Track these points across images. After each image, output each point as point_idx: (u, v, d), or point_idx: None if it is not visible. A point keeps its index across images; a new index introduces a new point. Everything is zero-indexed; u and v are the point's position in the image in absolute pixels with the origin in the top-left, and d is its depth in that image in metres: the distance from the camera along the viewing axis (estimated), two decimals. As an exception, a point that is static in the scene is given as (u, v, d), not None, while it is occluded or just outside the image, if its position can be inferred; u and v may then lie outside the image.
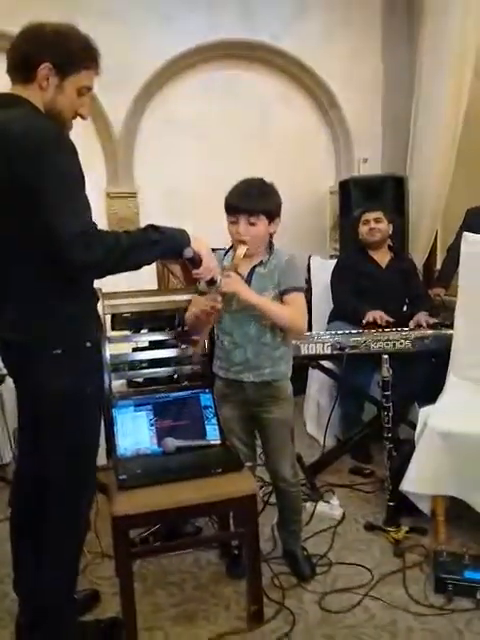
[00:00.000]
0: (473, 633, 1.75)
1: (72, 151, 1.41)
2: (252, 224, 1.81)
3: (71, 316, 1.51)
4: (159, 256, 1.54)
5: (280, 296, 1.86)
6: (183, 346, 2.34)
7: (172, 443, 1.87)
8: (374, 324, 2.80)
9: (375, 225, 3.10)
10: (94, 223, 1.40)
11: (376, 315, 2.80)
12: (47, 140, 1.38)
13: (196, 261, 1.56)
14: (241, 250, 1.81)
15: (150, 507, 1.65)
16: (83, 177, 1.43)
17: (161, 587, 2.01)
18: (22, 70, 1.46)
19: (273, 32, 4.14)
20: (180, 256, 1.53)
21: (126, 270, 1.44)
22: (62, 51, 1.45)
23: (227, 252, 1.93)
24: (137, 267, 1.46)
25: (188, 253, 1.52)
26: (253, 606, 1.79)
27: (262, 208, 1.82)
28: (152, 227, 1.47)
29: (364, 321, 2.81)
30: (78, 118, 1.55)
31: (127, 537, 1.68)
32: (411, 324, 2.85)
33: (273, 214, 1.85)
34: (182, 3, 3.96)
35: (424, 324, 2.78)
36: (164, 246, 1.48)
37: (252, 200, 1.81)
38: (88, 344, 1.54)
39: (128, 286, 2.47)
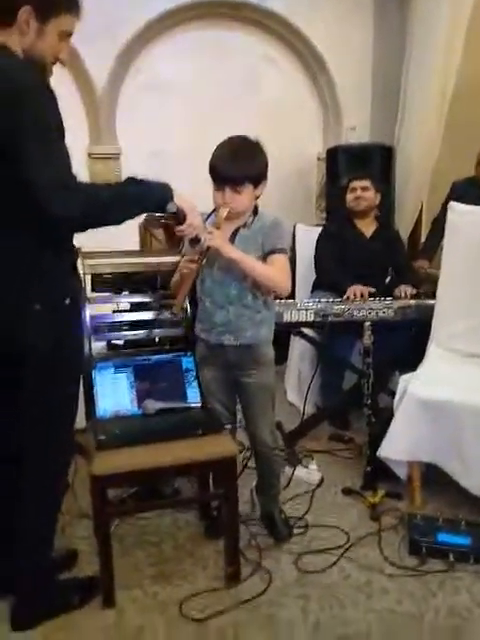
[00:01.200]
0: (446, 594, 1.79)
1: (52, 99, 1.36)
2: (237, 192, 1.77)
3: (50, 272, 1.48)
4: (142, 210, 1.49)
5: (263, 258, 1.83)
6: (164, 309, 2.31)
7: (152, 405, 1.86)
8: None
9: (362, 193, 3.06)
10: (74, 174, 1.36)
11: (356, 290, 2.78)
12: (25, 87, 1.33)
13: (180, 217, 1.52)
14: (223, 211, 1.78)
15: (129, 467, 1.65)
16: (63, 128, 1.38)
17: (139, 547, 2.02)
18: (1, 14, 1.40)
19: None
20: (163, 210, 1.49)
21: (107, 224, 1.41)
22: None
23: (209, 216, 1.89)
24: (118, 221, 1.42)
25: (171, 207, 1.49)
26: (230, 566, 1.81)
27: (247, 176, 1.77)
28: (134, 180, 1.43)
29: (345, 296, 2.79)
30: (58, 63, 1.49)
31: (106, 497, 1.68)
32: (395, 294, 2.85)
33: (259, 179, 1.81)
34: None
35: (409, 293, 2.78)
36: (146, 199, 1.44)
37: (237, 167, 1.76)
38: (67, 301, 1.51)
39: (109, 247, 2.42)
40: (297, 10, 4.10)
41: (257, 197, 1.87)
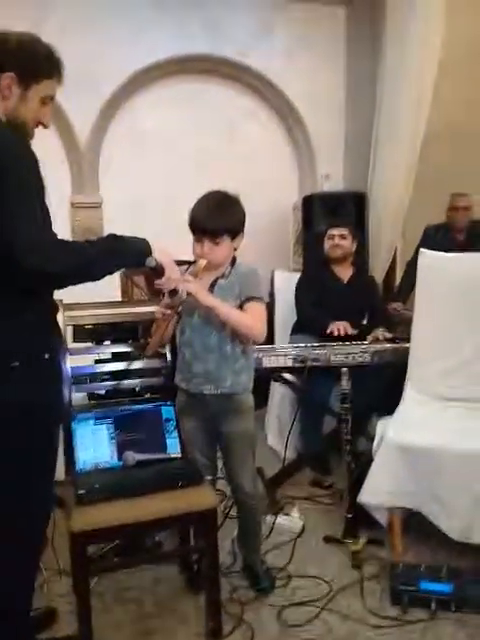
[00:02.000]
0: (428, 643, 1.78)
1: (32, 160, 1.40)
2: (216, 244, 1.83)
3: (29, 327, 1.48)
4: (121, 266, 1.53)
5: (240, 306, 1.87)
6: (142, 357, 2.33)
7: (132, 457, 1.85)
8: (336, 336, 2.85)
9: (339, 241, 3.16)
10: (54, 233, 1.39)
11: (339, 326, 2.85)
12: (6, 148, 1.37)
13: (159, 271, 1.56)
14: (202, 262, 1.83)
15: (109, 522, 1.63)
16: (43, 187, 1.42)
17: (119, 604, 1.99)
18: None
19: (239, 48, 4.21)
20: (142, 265, 1.53)
21: (87, 280, 1.43)
22: (26, 61, 1.44)
23: (189, 267, 1.94)
24: (98, 277, 1.45)
25: (150, 262, 1.52)
26: (211, 622, 1.78)
27: (225, 228, 1.84)
28: (113, 237, 1.47)
29: (328, 331, 2.85)
30: (40, 127, 1.54)
31: (85, 554, 1.66)
32: (369, 339, 2.91)
33: (237, 231, 1.88)
34: (150, 16, 3.99)
35: (381, 337, 2.85)
36: (126, 256, 1.48)
37: (215, 220, 1.82)
38: (46, 356, 1.52)
39: (90, 297, 2.45)
40: (272, 65, 4.30)
41: (235, 249, 1.92)
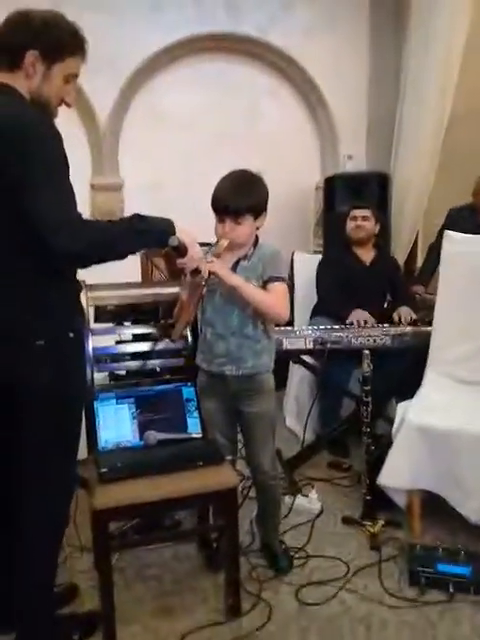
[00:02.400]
0: (446, 625, 1.79)
1: (57, 139, 1.41)
2: (238, 223, 1.82)
3: (54, 306, 1.50)
4: (145, 245, 1.54)
5: (263, 286, 1.87)
6: (166, 339, 2.34)
7: (153, 436, 1.87)
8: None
9: (362, 222, 3.13)
10: (79, 212, 1.40)
11: (360, 317, 2.82)
12: (31, 127, 1.38)
13: (181, 250, 1.57)
14: (223, 242, 1.83)
15: (130, 500, 1.66)
16: (68, 165, 1.42)
17: (140, 580, 2.02)
18: (8, 57, 1.45)
19: (259, 25, 4.14)
20: (165, 245, 1.53)
21: (112, 260, 1.44)
22: (49, 39, 1.44)
23: (210, 247, 1.93)
24: (123, 257, 1.46)
25: (173, 242, 1.53)
26: (230, 599, 1.81)
27: (248, 208, 1.82)
28: (138, 216, 1.47)
29: (348, 322, 2.83)
30: (63, 105, 1.54)
31: (107, 531, 1.69)
32: (394, 316, 2.90)
33: (260, 210, 1.86)
34: (169, -6, 3.93)
35: (408, 318, 2.83)
36: (150, 235, 1.49)
37: (238, 199, 1.81)
38: (71, 335, 1.54)
39: (111, 278, 2.46)
40: (295, 43, 4.22)
41: (257, 228, 1.91)
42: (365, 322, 2.80)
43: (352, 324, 2.80)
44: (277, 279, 1.87)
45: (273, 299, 1.86)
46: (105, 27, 3.65)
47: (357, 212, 3.15)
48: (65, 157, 1.42)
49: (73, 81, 1.52)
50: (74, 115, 3.78)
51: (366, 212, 3.15)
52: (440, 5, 3.68)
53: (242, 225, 1.83)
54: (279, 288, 1.88)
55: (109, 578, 1.69)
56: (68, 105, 1.55)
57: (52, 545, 1.65)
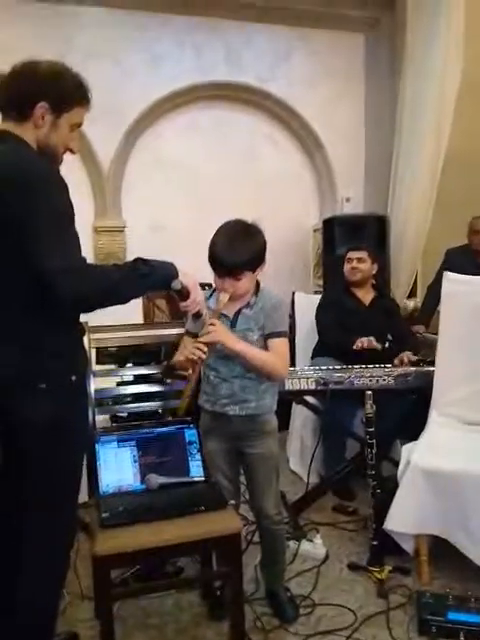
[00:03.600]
0: (458, 677, 1.73)
1: (63, 187, 1.44)
2: (237, 279, 1.81)
3: (57, 350, 1.50)
4: (149, 288, 1.55)
5: (264, 339, 1.87)
6: (168, 381, 2.33)
7: (155, 480, 1.84)
8: (361, 355, 2.82)
9: (357, 264, 3.14)
10: (83, 258, 1.42)
11: (364, 340, 2.82)
12: (38, 176, 1.41)
13: (183, 294, 1.58)
14: (224, 296, 1.82)
15: (132, 547, 1.62)
16: (73, 213, 1.45)
17: (141, 630, 1.96)
18: (17, 108, 1.49)
19: (259, 75, 4.29)
20: (168, 288, 1.54)
21: (116, 303, 1.45)
22: (58, 90, 1.49)
23: (211, 294, 1.94)
24: (126, 300, 1.47)
25: (176, 285, 1.54)
26: (235, 650, 1.75)
27: (246, 264, 1.80)
28: (141, 260, 1.49)
29: (354, 347, 2.83)
30: (68, 153, 1.58)
31: (108, 578, 1.64)
32: (396, 362, 2.88)
33: (258, 263, 1.85)
34: (171, 44, 4.09)
35: (406, 361, 2.82)
36: (153, 279, 1.50)
37: (235, 257, 1.78)
38: (74, 378, 1.53)
39: (113, 320, 2.47)
40: (293, 91, 4.37)
41: (257, 276, 1.92)
42: (370, 344, 2.78)
43: (357, 350, 2.79)
44: (278, 334, 1.87)
45: (273, 360, 1.85)
46: (109, 75, 3.79)
47: (353, 254, 3.18)
48: (71, 205, 1.45)
49: (77, 129, 1.57)
50: (77, 160, 3.87)
51: (362, 254, 3.16)
52: (433, 49, 3.80)
53: (242, 280, 1.82)
54: (280, 346, 1.87)
55: (111, 627, 1.64)
56: (73, 152, 1.59)
57: (53, 591, 1.61)
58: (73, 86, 1.52)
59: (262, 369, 1.84)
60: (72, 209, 1.45)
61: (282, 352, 1.88)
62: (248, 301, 1.89)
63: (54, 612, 1.63)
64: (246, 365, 1.84)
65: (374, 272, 3.20)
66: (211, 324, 1.75)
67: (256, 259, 1.84)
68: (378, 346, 2.84)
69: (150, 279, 1.49)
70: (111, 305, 1.45)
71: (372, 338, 2.85)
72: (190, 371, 1.78)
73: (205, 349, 1.73)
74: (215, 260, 1.82)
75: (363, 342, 2.82)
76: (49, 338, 1.50)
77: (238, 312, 1.89)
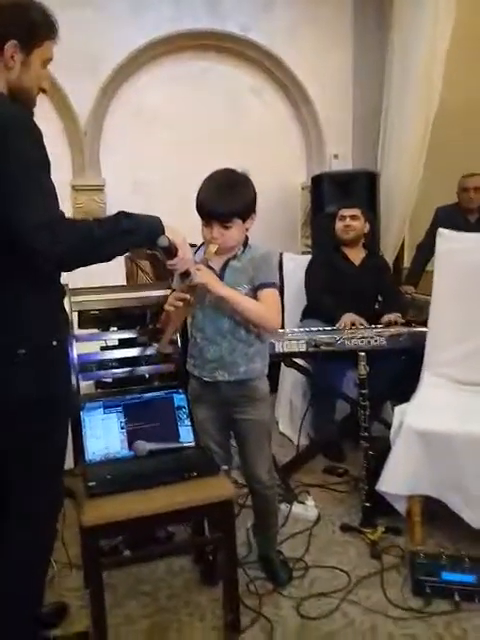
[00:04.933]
0: (453, 636, 1.72)
1: (37, 135, 1.32)
2: (227, 228, 1.73)
3: (36, 313, 1.41)
4: (133, 245, 1.43)
5: (254, 292, 1.79)
6: (154, 345, 2.24)
7: (143, 446, 1.78)
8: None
9: (351, 222, 3.05)
10: (62, 211, 1.31)
11: (349, 320, 2.74)
12: (10, 124, 1.29)
13: (171, 251, 1.48)
14: (213, 247, 1.73)
15: (121, 516, 1.56)
16: (49, 163, 1.34)
17: (132, 597, 1.93)
18: None
19: (242, 23, 4.08)
20: (154, 245, 1.44)
21: (98, 261, 1.35)
22: (25, 25, 1.36)
23: (198, 249, 1.85)
24: (109, 258, 1.37)
25: (163, 242, 1.43)
26: (229, 615, 1.72)
27: (235, 211, 1.72)
28: (124, 214, 1.38)
29: (338, 325, 2.76)
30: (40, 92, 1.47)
31: (97, 549, 1.59)
32: (383, 321, 2.82)
33: (248, 213, 1.77)
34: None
35: (397, 322, 2.76)
36: (138, 235, 1.39)
37: (225, 204, 1.71)
38: (55, 343, 1.44)
39: (93, 282, 2.37)
40: (278, 41, 4.17)
41: (247, 229, 1.83)
42: (352, 324, 2.72)
43: (344, 326, 2.72)
44: (268, 285, 1.78)
45: (263, 309, 1.77)
46: (85, 24, 3.57)
47: (345, 211, 3.08)
48: (46, 153, 1.33)
49: (47, 65, 1.44)
50: (53, 114, 3.69)
51: (355, 211, 3.08)
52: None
53: (230, 229, 1.74)
54: (270, 295, 1.78)
55: (101, 598, 1.59)
56: (45, 91, 1.47)
57: (40, 562, 1.56)
58: (40, 18, 1.39)
59: (251, 317, 1.76)
60: (48, 159, 1.33)
61: (273, 302, 1.79)
62: (235, 253, 1.80)
63: (41, 582, 1.57)
64: (234, 314, 1.75)
65: (366, 231, 3.11)
66: (197, 268, 1.65)
67: (246, 207, 1.75)
68: (364, 325, 2.74)
69: (134, 235, 1.39)
70: (93, 263, 1.35)
71: (357, 318, 2.76)
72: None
73: (187, 296, 1.66)
74: (204, 207, 1.72)
75: (347, 322, 2.73)
76: (27, 300, 1.40)
77: (226, 265, 1.80)
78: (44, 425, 1.43)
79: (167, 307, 1.73)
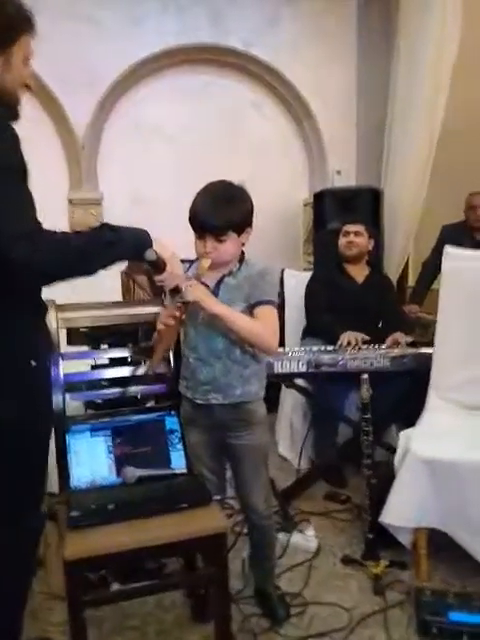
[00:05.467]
0: (462, 683, 1.60)
1: (12, 140, 1.23)
2: (220, 242, 1.64)
3: (12, 332, 1.32)
4: (117, 259, 1.34)
5: (250, 310, 1.68)
6: (147, 371, 2.14)
7: (132, 473, 1.67)
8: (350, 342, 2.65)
9: (354, 238, 2.96)
10: (39, 222, 1.22)
11: (351, 338, 2.64)
12: None
13: (159, 266, 1.39)
14: (205, 261, 1.64)
15: (106, 549, 1.45)
16: (26, 170, 1.25)
17: (119, 633, 1.81)
18: None
19: (244, 38, 4.04)
20: (141, 259, 1.35)
21: (81, 274, 1.26)
22: (1, 22, 1.28)
23: (191, 264, 1.76)
24: (90, 272, 1.28)
25: (150, 255, 1.35)
26: (222, 657, 1.60)
27: (229, 224, 1.63)
28: (108, 226, 1.30)
29: (339, 343, 2.65)
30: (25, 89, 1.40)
31: (80, 584, 1.47)
32: (388, 342, 2.72)
33: (243, 226, 1.67)
34: (152, 5, 3.83)
35: (402, 342, 2.66)
36: (122, 247, 1.30)
37: (218, 215, 1.61)
38: (33, 363, 1.35)
39: (89, 299, 2.28)
40: (280, 55, 4.13)
41: (243, 244, 1.74)
42: (356, 342, 2.61)
43: (342, 346, 2.61)
44: (265, 303, 1.67)
45: (260, 327, 1.66)
46: (84, 37, 3.52)
47: (350, 227, 3.00)
48: (23, 160, 1.24)
49: (29, 61, 1.37)
50: (50, 126, 3.62)
51: (359, 227, 2.99)
52: (430, 15, 3.57)
53: (224, 243, 1.64)
54: (267, 313, 1.67)
55: (83, 637, 1.48)
56: (29, 88, 1.39)
57: (15, 596, 1.46)
58: (15, 11, 1.31)
59: (246, 336, 1.65)
60: (25, 165, 1.25)
61: (270, 321, 1.68)
62: (231, 269, 1.71)
63: (16, 620, 1.46)
64: (228, 332, 1.65)
65: (370, 248, 3.02)
66: (189, 284, 1.56)
67: (241, 220, 1.66)
68: (365, 344, 2.64)
69: (118, 247, 1.30)
70: (74, 277, 1.26)
71: (360, 335, 2.66)
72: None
73: (178, 314, 1.57)
74: (196, 218, 1.63)
75: (350, 339, 2.63)
76: (3, 319, 1.31)
77: (220, 281, 1.70)
78: (21, 448, 1.34)
79: (159, 326, 1.63)
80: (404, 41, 3.81)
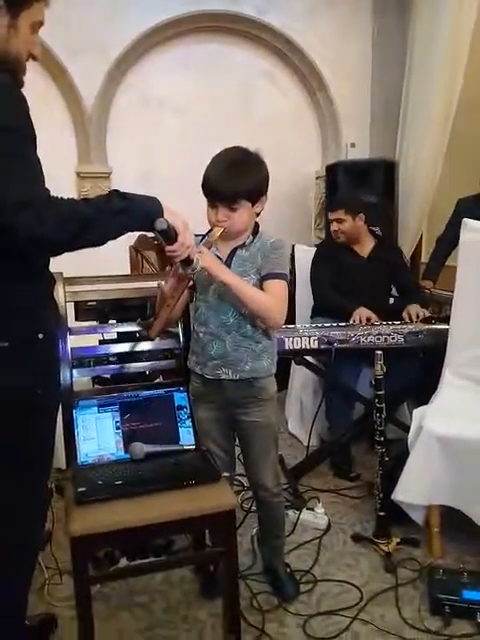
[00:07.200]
0: (475, 663, 1.57)
1: (19, 104, 1.18)
2: (233, 210, 1.59)
3: (21, 302, 1.29)
4: (126, 228, 1.28)
5: (260, 282, 1.64)
6: (150, 339, 2.09)
7: (140, 448, 1.64)
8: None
9: (337, 226, 2.84)
10: (47, 189, 1.17)
11: (362, 315, 2.57)
12: None
13: (171, 235, 1.33)
14: (217, 230, 1.60)
15: (111, 526, 1.42)
16: (34, 134, 1.20)
17: (126, 609, 1.80)
18: None
19: (257, 5, 3.90)
20: (151, 228, 1.29)
21: (88, 245, 1.21)
22: None
23: (203, 237, 1.70)
24: (100, 242, 1.23)
25: (161, 224, 1.29)
26: (230, 634, 1.58)
27: (243, 192, 1.58)
28: (117, 193, 1.24)
29: (351, 320, 2.59)
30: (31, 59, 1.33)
31: (85, 560, 1.46)
32: (404, 315, 2.66)
33: (257, 195, 1.62)
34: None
35: (421, 315, 2.59)
36: (131, 216, 1.25)
37: (232, 183, 1.56)
38: (41, 336, 1.32)
39: (96, 273, 2.24)
40: (294, 24, 3.99)
41: (257, 214, 1.68)
42: (368, 319, 2.55)
43: (354, 322, 2.56)
44: (276, 276, 1.63)
45: (269, 300, 1.62)
46: (92, 6, 3.40)
47: (330, 215, 2.88)
48: (31, 126, 1.19)
49: (38, 30, 1.31)
50: (59, 99, 3.54)
51: (339, 214, 2.82)
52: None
53: (237, 212, 1.59)
54: (277, 287, 1.63)
55: (89, 612, 1.47)
56: (35, 58, 1.33)
57: (20, 571, 1.44)
58: None
59: (254, 308, 1.61)
60: (33, 130, 1.20)
61: (279, 295, 1.64)
62: (244, 241, 1.66)
63: (22, 594, 1.46)
64: (237, 303, 1.61)
65: (360, 227, 2.86)
66: (199, 251, 1.51)
67: (256, 188, 1.61)
68: (376, 319, 2.57)
69: (128, 216, 1.24)
70: (82, 247, 1.21)
71: (371, 314, 2.58)
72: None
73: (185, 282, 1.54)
74: (209, 186, 1.59)
75: (362, 316, 2.56)
76: (10, 288, 1.27)
77: (233, 253, 1.65)
78: (28, 423, 1.31)
79: (163, 289, 1.60)
80: (421, 8, 3.67)
